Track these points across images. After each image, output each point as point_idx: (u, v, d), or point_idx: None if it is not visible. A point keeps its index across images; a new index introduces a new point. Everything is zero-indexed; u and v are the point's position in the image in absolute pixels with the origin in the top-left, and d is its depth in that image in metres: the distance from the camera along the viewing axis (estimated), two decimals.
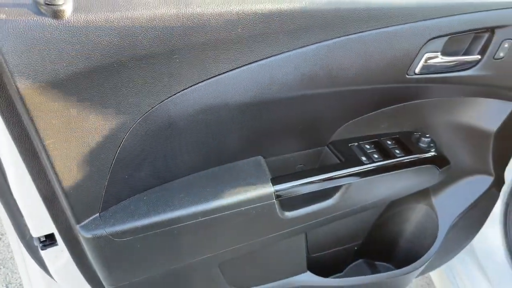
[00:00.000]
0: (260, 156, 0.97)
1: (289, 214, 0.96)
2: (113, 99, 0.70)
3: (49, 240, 0.88)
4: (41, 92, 0.63)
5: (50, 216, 0.82)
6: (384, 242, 1.36)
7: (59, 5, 0.61)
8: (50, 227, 0.85)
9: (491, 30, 0.93)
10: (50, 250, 0.89)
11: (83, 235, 0.78)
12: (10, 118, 0.68)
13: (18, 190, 0.79)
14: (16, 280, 1.94)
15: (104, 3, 0.65)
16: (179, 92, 0.76)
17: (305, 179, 0.94)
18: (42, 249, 0.88)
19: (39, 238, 0.87)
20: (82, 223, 0.79)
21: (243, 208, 0.89)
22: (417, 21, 0.86)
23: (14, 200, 0.85)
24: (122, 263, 0.85)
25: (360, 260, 1.40)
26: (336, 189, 0.99)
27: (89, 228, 0.79)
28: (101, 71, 0.67)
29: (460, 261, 1.64)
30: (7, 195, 0.86)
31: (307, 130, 0.99)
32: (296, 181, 0.94)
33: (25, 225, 0.92)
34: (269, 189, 0.91)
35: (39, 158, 0.74)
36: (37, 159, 0.74)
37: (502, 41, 0.94)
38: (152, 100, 0.74)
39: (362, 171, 0.99)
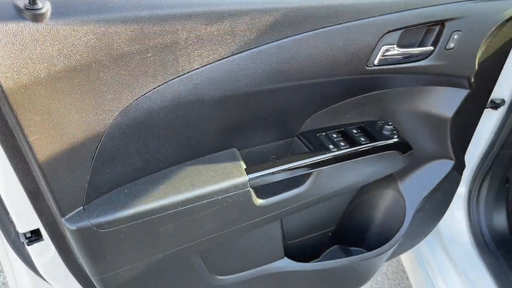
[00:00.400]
0: (234, 148, 1.03)
1: (264, 201, 1.02)
2: (92, 97, 0.75)
3: (34, 236, 0.92)
4: (25, 91, 0.67)
5: (35, 211, 0.86)
6: (356, 227, 1.43)
7: (38, 9, 0.65)
8: (35, 223, 0.89)
9: (441, 23, 1.01)
10: (36, 245, 0.93)
11: (68, 227, 0.82)
12: None
13: (3, 186, 0.83)
14: None
15: (81, 6, 0.70)
16: (154, 88, 0.81)
17: (278, 167, 1.01)
18: (28, 245, 0.92)
19: (24, 234, 0.91)
20: (67, 216, 0.83)
21: (220, 197, 0.94)
22: (373, 16, 0.93)
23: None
24: (107, 254, 0.89)
25: (335, 246, 1.47)
26: (307, 176, 1.06)
27: (74, 221, 0.83)
28: (80, 70, 0.71)
29: (428, 246, 1.73)
30: None
31: (277, 122, 1.05)
32: (269, 170, 1.00)
33: (10, 223, 0.95)
34: (244, 178, 0.96)
35: (23, 155, 0.78)
36: (21, 156, 0.78)
37: (452, 33, 1.02)
38: (128, 97, 0.79)
39: (331, 158, 1.06)
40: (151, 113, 0.83)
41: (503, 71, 1.25)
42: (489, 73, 1.20)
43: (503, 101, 1.38)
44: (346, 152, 1.08)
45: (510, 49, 1.20)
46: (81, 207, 0.84)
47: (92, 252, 0.88)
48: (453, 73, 1.09)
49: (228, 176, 0.96)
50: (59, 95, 0.71)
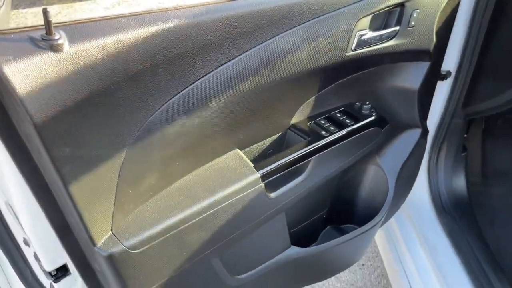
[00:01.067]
0: (236, 149, 1.06)
1: (274, 194, 1.07)
2: (113, 119, 0.75)
3: (60, 272, 0.89)
4: (54, 124, 0.67)
5: (63, 245, 0.84)
6: (346, 206, 1.51)
7: (56, 39, 0.65)
8: (62, 259, 0.87)
9: (401, 4, 1.11)
10: (64, 281, 0.90)
11: (103, 254, 0.81)
12: (20, 157, 0.70)
13: (30, 225, 0.80)
14: None
15: (94, 30, 0.70)
16: (166, 102, 0.82)
17: (283, 160, 1.06)
18: (55, 282, 0.89)
19: (50, 273, 0.88)
20: (99, 244, 0.82)
21: (237, 197, 0.98)
22: (347, 6, 1.01)
23: (14, 245, 0.85)
24: (140, 274, 0.89)
25: (328, 227, 1.54)
26: (307, 163, 1.11)
27: (107, 247, 0.82)
28: (101, 94, 0.72)
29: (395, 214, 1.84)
30: (6, 241, 0.86)
31: (271, 117, 1.10)
32: (275, 164, 1.04)
33: (26, 267, 0.91)
34: (256, 175, 1.00)
35: (50, 190, 0.76)
36: (48, 192, 0.76)
37: (412, 12, 1.13)
38: (145, 114, 0.80)
39: (326, 143, 1.13)
40: (166, 126, 0.84)
41: (449, 44, 1.39)
42: (440, 45, 1.34)
43: (449, 73, 1.52)
44: (337, 135, 1.16)
45: (454, 22, 1.34)
46: (110, 232, 0.84)
47: (127, 275, 0.87)
48: (416, 48, 1.20)
49: (241, 176, 0.99)
50: (84, 122, 0.71)
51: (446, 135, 1.66)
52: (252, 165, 1.02)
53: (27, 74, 0.62)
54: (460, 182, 1.73)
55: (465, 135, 1.69)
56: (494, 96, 1.49)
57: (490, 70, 1.44)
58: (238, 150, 1.07)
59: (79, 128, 0.71)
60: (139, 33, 0.74)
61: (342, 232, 1.52)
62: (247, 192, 0.99)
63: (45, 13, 0.63)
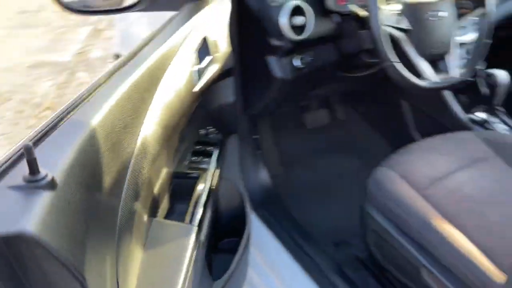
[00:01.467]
0: (154, 218, 1.00)
1: (202, 238, 1.08)
2: (99, 237, 0.65)
3: None
4: (79, 252, 0.55)
5: None
6: (219, 226, 1.58)
7: (43, 178, 0.52)
8: None
9: (204, 38, 1.25)
10: None
11: None
12: None
13: None
14: None
15: (65, 140, 0.62)
16: (120, 202, 0.76)
17: (198, 205, 1.07)
18: None
19: None
20: None
21: (193, 259, 0.95)
22: (181, 44, 1.09)
23: None
24: None
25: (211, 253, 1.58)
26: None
27: None
28: (91, 212, 0.62)
29: None
30: None
31: (164, 175, 1.08)
32: (199, 211, 1.05)
33: None
34: (193, 230, 0.99)
35: None
36: None
37: (213, 41, 1.29)
38: (113, 222, 0.72)
39: (212, 174, 1.20)
40: (126, 226, 0.77)
41: None
42: None
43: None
44: (212, 164, 1.24)
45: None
46: None
47: None
48: (226, 68, 1.37)
49: (185, 240, 0.96)
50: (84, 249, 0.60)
51: (241, 137, 1.87)
52: (184, 224, 1.00)
53: (51, 228, 0.49)
54: (264, 177, 1.95)
55: (257, 136, 1.92)
56: (260, 97, 1.76)
57: (252, 77, 1.70)
58: (157, 219, 1.01)
59: (88, 254, 0.60)
60: (90, 135, 0.66)
61: (227, 249, 1.59)
62: (197, 250, 0.98)
63: (29, 150, 0.49)
